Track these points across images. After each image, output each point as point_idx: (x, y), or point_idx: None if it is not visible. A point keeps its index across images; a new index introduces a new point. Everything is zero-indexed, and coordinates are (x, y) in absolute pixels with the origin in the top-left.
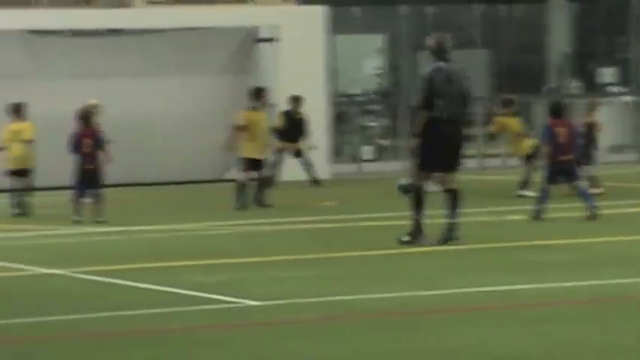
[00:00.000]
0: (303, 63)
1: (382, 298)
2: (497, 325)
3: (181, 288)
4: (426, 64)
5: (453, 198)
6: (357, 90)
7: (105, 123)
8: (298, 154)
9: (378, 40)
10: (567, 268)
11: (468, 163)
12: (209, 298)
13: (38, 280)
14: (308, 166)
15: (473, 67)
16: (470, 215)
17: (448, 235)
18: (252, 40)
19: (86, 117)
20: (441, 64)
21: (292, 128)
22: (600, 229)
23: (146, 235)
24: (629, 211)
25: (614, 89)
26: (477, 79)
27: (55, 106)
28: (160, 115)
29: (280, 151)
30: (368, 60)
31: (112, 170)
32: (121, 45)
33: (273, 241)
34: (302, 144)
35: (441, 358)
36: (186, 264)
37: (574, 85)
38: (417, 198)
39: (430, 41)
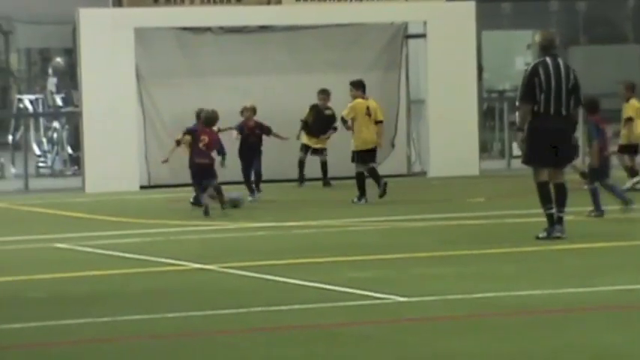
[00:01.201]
0: (454, 59)
1: (529, 295)
2: None
3: (331, 284)
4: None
5: (560, 193)
6: (506, 86)
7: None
8: (317, 151)
9: (528, 37)
10: None
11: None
12: (359, 294)
13: (190, 276)
14: (324, 165)
15: (624, 62)
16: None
17: (562, 232)
18: (401, 36)
19: (210, 122)
20: (547, 58)
21: (321, 123)
22: None
23: (294, 232)
24: None
25: None
26: (629, 76)
27: (206, 102)
28: (292, 108)
29: (307, 147)
30: (518, 56)
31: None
32: (270, 41)
33: (419, 237)
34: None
35: (591, 356)
36: (334, 260)
37: None
38: (540, 192)
39: (538, 37)
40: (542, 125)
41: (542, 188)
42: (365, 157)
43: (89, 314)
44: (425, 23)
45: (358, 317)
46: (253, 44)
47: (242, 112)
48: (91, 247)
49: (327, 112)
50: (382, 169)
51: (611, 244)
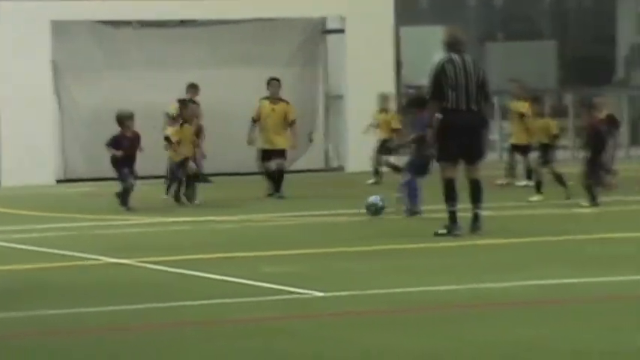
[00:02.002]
0: (372, 55)
1: (448, 290)
2: (563, 319)
3: (250, 279)
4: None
5: (475, 189)
6: (424, 81)
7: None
8: None
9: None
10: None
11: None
12: (277, 289)
13: (109, 271)
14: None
15: (541, 58)
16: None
17: (474, 226)
18: (319, 31)
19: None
20: (453, 55)
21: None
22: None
23: (213, 227)
24: None
25: None
26: (545, 71)
27: (125, 96)
28: (230, 105)
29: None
30: (436, 52)
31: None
32: (190, 36)
33: (337, 232)
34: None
35: (513, 351)
36: (253, 254)
37: None
38: (446, 189)
39: (443, 35)
40: (453, 121)
41: (448, 185)
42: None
43: (5, 309)
44: (343, 19)
45: (277, 312)
46: (173, 39)
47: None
48: (6, 242)
49: None
50: (300, 164)
51: (523, 239)
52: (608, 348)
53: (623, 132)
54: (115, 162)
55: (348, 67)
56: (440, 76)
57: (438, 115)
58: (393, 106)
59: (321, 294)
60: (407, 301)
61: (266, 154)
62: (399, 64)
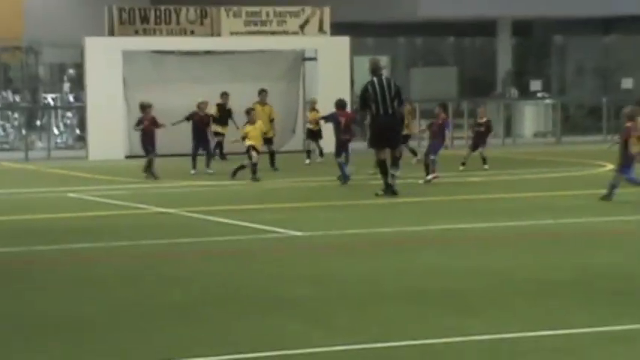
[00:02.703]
0: (335, 76)
1: (385, 231)
2: (467, 251)
3: (252, 222)
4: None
5: (394, 160)
6: None
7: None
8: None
9: (384, 60)
10: (511, 213)
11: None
12: (269, 230)
13: (157, 216)
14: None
15: (445, 79)
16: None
17: (393, 189)
18: (300, 59)
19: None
20: (374, 78)
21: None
22: (531, 187)
23: (228, 188)
24: (547, 176)
25: (540, 95)
26: (449, 88)
27: (170, 100)
28: (240, 107)
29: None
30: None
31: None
32: (213, 61)
33: (313, 192)
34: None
35: (427, 272)
36: (256, 207)
37: (513, 92)
38: (380, 167)
39: (369, 63)
40: (378, 121)
41: (381, 164)
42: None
43: (88, 241)
44: (316, 50)
45: (267, 244)
46: (202, 63)
47: (199, 106)
48: (92, 196)
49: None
50: (286, 147)
51: (434, 198)
52: (496, 267)
53: (500, 127)
54: (142, 140)
55: (319, 83)
56: (364, 94)
57: (368, 119)
58: (319, 106)
59: (299, 233)
60: (358, 238)
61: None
62: (352, 82)
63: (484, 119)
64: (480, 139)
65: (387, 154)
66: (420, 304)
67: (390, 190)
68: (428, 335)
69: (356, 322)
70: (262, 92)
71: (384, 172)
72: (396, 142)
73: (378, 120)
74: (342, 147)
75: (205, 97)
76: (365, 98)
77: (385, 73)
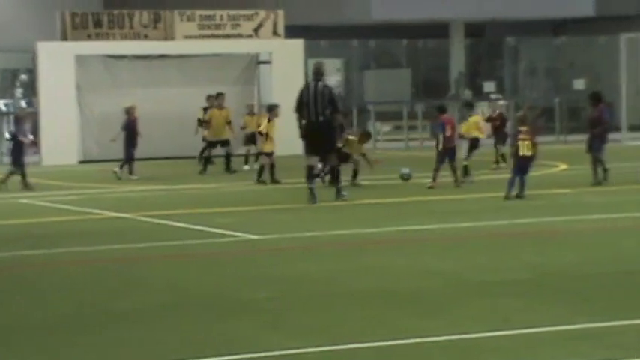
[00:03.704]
0: (289, 78)
1: (341, 234)
2: (423, 251)
3: (207, 226)
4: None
5: (333, 171)
6: None
7: (156, 117)
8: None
9: (338, 63)
10: (466, 214)
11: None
12: (225, 234)
13: (112, 221)
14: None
15: (398, 81)
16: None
17: (338, 196)
18: (255, 62)
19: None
20: (311, 82)
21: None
22: (485, 188)
23: (184, 192)
24: (501, 176)
25: (493, 96)
26: (403, 89)
27: (124, 104)
28: (193, 112)
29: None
30: (331, 76)
31: (161, 148)
32: (167, 66)
33: (267, 195)
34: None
35: (384, 274)
36: (209, 211)
37: (467, 93)
38: (307, 173)
39: (312, 67)
40: (308, 127)
41: (308, 170)
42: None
43: (43, 247)
44: (270, 54)
45: (224, 248)
46: (155, 67)
47: (128, 110)
48: (45, 202)
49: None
50: (242, 150)
51: (393, 200)
52: (453, 267)
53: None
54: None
55: (273, 85)
56: (299, 97)
57: (303, 124)
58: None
59: (255, 236)
60: (314, 240)
61: (213, 144)
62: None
63: (497, 112)
64: (499, 133)
65: (315, 161)
66: (379, 305)
67: (312, 196)
68: (387, 337)
69: (315, 324)
70: (220, 96)
71: (311, 178)
72: (325, 150)
73: (307, 126)
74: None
75: (160, 101)
76: (299, 102)
77: (325, 80)
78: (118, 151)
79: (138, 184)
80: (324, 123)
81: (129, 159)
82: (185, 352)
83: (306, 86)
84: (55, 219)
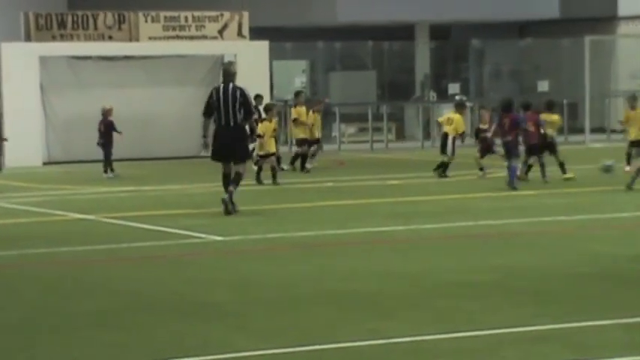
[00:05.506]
0: (254, 79)
1: (302, 235)
2: (384, 253)
3: (172, 228)
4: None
5: (236, 179)
6: (288, 97)
7: (121, 118)
8: None
9: (302, 64)
10: (430, 216)
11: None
12: (191, 235)
13: (77, 223)
14: None
15: (363, 83)
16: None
17: (230, 207)
18: (219, 63)
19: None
20: (221, 85)
21: None
22: (449, 189)
23: (149, 193)
24: (465, 178)
25: (458, 98)
26: (368, 91)
27: (88, 105)
28: (158, 113)
29: None
30: (296, 77)
31: (125, 150)
32: (132, 67)
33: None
34: None
35: (347, 275)
36: (175, 212)
37: (432, 95)
38: (223, 180)
39: (222, 68)
40: (219, 133)
41: (224, 178)
42: None
43: (8, 249)
44: (235, 55)
45: (189, 250)
46: (121, 67)
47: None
48: (10, 204)
49: None
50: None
51: (356, 201)
52: (415, 269)
53: (420, 130)
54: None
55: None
56: (209, 100)
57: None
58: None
59: (219, 237)
60: (278, 242)
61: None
62: (272, 85)
63: (487, 124)
64: (486, 144)
65: (229, 168)
66: (342, 307)
67: (226, 205)
68: (349, 338)
69: (278, 326)
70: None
71: (225, 186)
72: (236, 157)
73: (220, 130)
74: None
75: (123, 102)
76: (209, 105)
77: (237, 82)
78: (83, 152)
79: (104, 186)
80: (235, 128)
81: (108, 158)
82: (149, 354)
83: (217, 89)
84: (18, 220)
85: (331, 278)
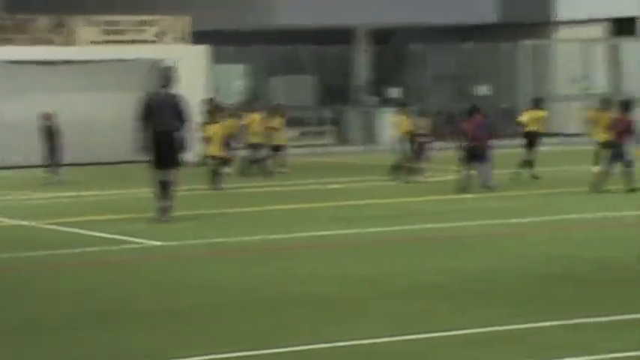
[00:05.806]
0: (194, 83)
1: (249, 240)
2: (330, 256)
3: (110, 234)
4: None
5: (167, 188)
6: (230, 100)
7: (61, 122)
8: None
9: (241, 68)
10: (374, 220)
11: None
12: (129, 240)
13: (12, 229)
14: None
15: (304, 87)
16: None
17: (162, 217)
18: (155, 67)
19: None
20: (160, 89)
21: None
22: (394, 193)
23: (90, 199)
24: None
25: (398, 102)
26: (305, 95)
27: (27, 110)
28: (96, 117)
29: None
30: (236, 81)
31: (67, 154)
32: (70, 71)
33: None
34: None
35: (297, 280)
36: (114, 217)
37: (372, 100)
38: (159, 188)
39: (158, 72)
40: (154, 139)
41: (161, 186)
42: None
43: None
44: (176, 60)
45: (128, 255)
46: (59, 72)
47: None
48: None
49: None
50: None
51: (301, 205)
52: (365, 273)
53: (359, 134)
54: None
55: (179, 90)
56: (144, 104)
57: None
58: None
59: (158, 243)
60: (221, 246)
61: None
62: (217, 89)
63: (422, 129)
64: (422, 148)
65: (165, 175)
66: (303, 310)
67: (160, 213)
68: (306, 341)
69: (234, 330)
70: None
71: (158, 195)
72: (169, 164)
73: (155, 137)
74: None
75: (63, 107)
76: (143, 110)
77: (177, 86)
78: (19, 157)
79: (45, 192)
80: (169, 134)
81: (55, 162)
82: None
83: (152, 94)
84: None
85: (282, 283)
